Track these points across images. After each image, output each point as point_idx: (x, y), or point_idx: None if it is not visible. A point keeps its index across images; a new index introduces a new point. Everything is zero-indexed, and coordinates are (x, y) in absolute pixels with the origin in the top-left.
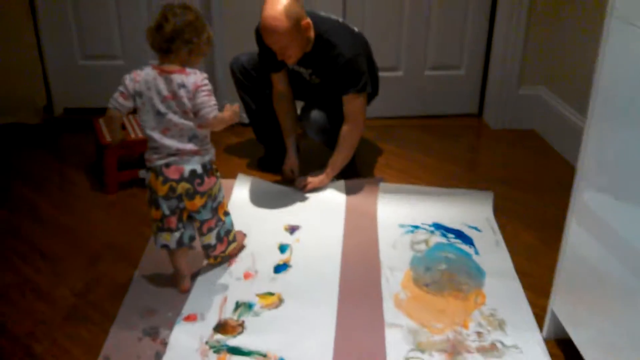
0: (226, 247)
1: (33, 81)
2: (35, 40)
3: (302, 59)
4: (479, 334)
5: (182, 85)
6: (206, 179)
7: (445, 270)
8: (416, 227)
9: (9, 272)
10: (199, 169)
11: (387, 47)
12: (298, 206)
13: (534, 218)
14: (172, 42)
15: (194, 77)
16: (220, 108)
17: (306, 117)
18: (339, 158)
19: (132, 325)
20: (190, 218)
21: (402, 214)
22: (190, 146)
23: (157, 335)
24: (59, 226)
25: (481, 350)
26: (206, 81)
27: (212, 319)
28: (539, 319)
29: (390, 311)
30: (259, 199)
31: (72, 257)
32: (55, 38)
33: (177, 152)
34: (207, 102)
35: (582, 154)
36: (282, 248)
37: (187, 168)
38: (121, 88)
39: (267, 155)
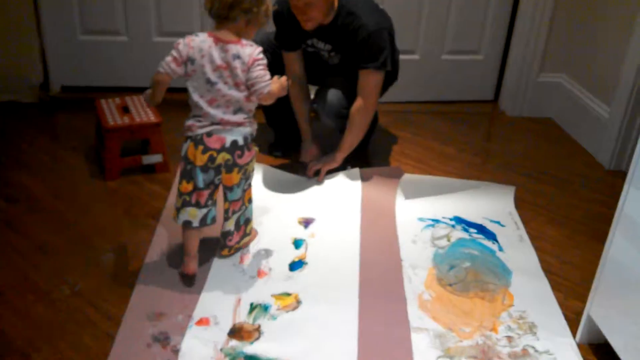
0: (241, 238)
1: (29, 56)
2: (33, 10)
3: (323, 32)
4: (509, 338)
5: (238, 57)
6: (246, 151)
7: (470, 268)
8: (436, 221)
9: (6, 268)
10: (241, 141)
11: (405, 29)
12: (311, 197)
13: (557, 212)
14: (232, 10)
15: (250, 50)
16: None
17: (322, 100)
18: (350, 138)
19: (139, 330)
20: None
21: (421, 207)
22: (235, 117)
23: (167, 341)
24: (58, 217)
25: (513, 356)
26: (262, 55)
27: (226, 323)
28: (570, 322)
29: (414, 313)
30: (270, 189)
31: (72, 252)
32: (54, 10)
33: (221, 122)
34: (263, 76)
35: (634, 161)
36: (297, 243)
37: (229, 138)
38: (174, 53)
39: (277, 141)
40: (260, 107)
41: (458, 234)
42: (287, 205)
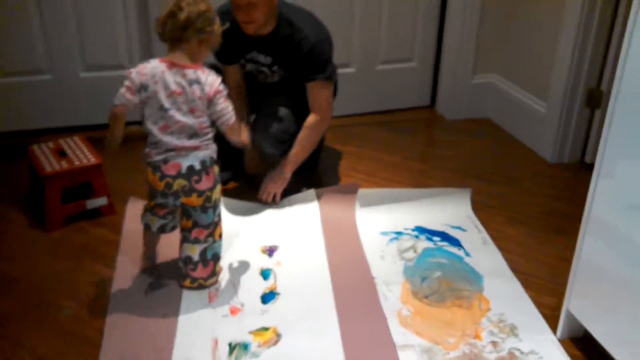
0: (209, 276)
1: None
2: None
3: (263, 43)
4: (494, 343)
5: (197, 82)
6: (204, 176)
7: (442, 278)
8: (399, 233)
9: None
10: (198, 165)
11: (338, 42)
12: (270, 223)
13: (515, 211)
14: (185, 30)
15: (211, 79)
16: None
17: (261, 131)
18: (300, 152)
19: None
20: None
21: (382, 221)
22: (189, 142)
23: None
24: (3, 278)
25: None
26: (222, 85)
27: None
28: (547, 319)
29: (397, 331)
30: (227, 220)
31: (26, 315)
32: None
33: (175, 148)
34: (227, 108)
35: (599, 159)
36: (265, 274)
37: (184, 164)
38: (127, 82)
39: (224, 162)
40: None
41: (423, 244)
42: (247, 234)
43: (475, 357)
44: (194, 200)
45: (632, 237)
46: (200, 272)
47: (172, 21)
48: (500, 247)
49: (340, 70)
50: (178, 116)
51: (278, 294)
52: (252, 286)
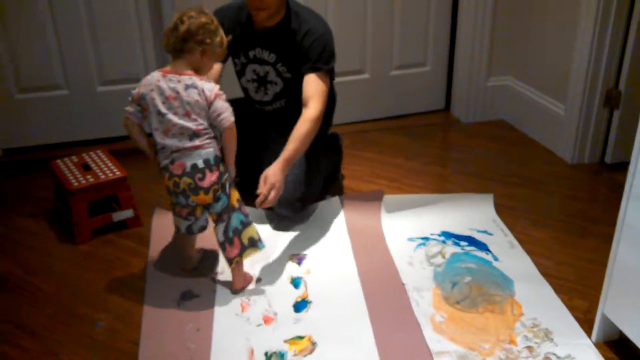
0: (241, 251)
1: None
2: None
3: (268, 37)
4: (529, 349)
5: (193, 86)
6: (208, 173)
7: (472, 283)
8: (426, 238)
9: None
10: (201, 163)
11: (353, 49)
12: (296, 231)
13: (538, 213)
14: (186, 42)
15: (210, 85)
16: None
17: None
18: (297, 148)
19: None
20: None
21: (408, 227)
22: (191, 143)
23: None
24: (36, 293)
25: None
26: (222, 92)
27: None
28: (580, 322)
29: (432, 338)
30: None
31: (60, 329)
32: None
33: (179, 149)
34: (226, 106)
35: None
36: (295, 282)
37: (188, 163)
38: (129, 97)
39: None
40: None
41: (451, 249)
42: (274, 243)
43: None
44: (204, 198)
45: None
46: (230, 252)
47: (174, 34)
48: (527, 251)
49: (354, 77)
50: (175, 119)
51: (310, 302)
52: (283, 295)
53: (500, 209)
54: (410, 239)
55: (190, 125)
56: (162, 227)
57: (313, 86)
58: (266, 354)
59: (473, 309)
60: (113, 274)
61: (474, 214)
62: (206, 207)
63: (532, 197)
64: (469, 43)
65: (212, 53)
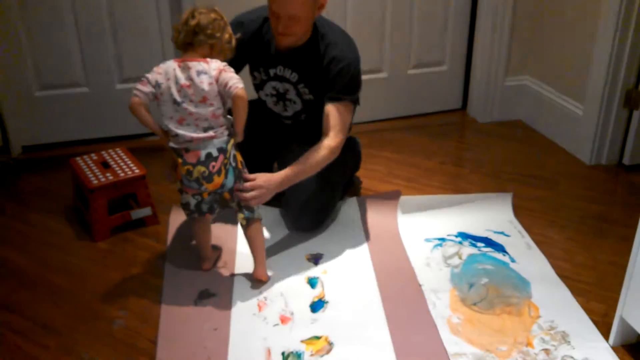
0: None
1: None
2: None
3: (292, 57)
4: (546, 351)
5: (204, 72)
6: (221, 156)
7: (489, 284)
8: (443, 239)
9: (12, 354)
10: (215, 152)
11: (371, 48)
12: (313, 232)
13: (555, 214)
14: (196, 35)
15: (216, 64)
16: None
17: (292, 209)
18: (306, 172)
19: None
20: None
21: (425, 228)
22: (204, 134)
23: None
24: (55, 290)
25: None
26: (228, 67)
27: None
28: (597, 325)
29: (449, 339)
30: (269, 228)
31: (79, 325)
32: (6, 68)
33: (192, 140)
34: (234, 76)
35: None
36: (312, 282)
37: (203, 152)
38: (143, 78)
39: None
40: None
41: (467, 250)
42: (290, 242)
43: None
44: (217, 181)
45: None
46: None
47: (185, 28)
48: (544, 252)
49: (372, 75)
50: (191, 108)
51: (327, 302)
52: (300, 295)
53: (517, 210)
54: (427, 240)
55: (207, 112)
56: (180, 225)
57: (334, 119)
58: (283, 353)
59: (490, 310)
60: (131, 272)
61: (491, 215)
62: (215, 191)
63: (549, 198)
64: (487, 42)
65: (220, 49)
